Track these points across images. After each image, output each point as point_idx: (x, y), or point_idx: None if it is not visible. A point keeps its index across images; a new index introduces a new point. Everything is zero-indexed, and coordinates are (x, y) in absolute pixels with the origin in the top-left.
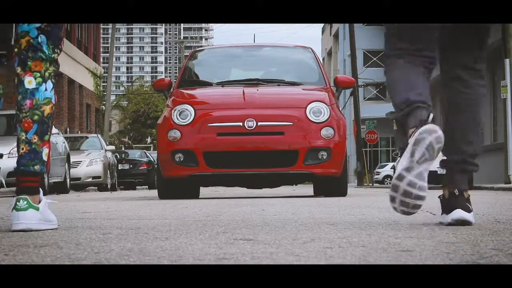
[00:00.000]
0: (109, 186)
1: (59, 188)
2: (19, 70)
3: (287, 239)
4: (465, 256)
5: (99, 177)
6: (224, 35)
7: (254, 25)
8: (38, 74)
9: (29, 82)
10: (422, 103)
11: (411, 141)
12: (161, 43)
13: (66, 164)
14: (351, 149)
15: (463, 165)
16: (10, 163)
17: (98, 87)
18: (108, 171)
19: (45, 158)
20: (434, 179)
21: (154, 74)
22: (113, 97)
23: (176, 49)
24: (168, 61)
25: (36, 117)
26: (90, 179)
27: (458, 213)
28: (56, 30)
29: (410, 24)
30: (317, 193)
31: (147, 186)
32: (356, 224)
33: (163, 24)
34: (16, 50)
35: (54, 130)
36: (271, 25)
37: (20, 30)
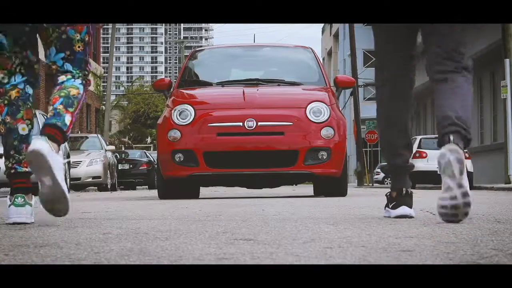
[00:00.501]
0: (109, 186)
1: None
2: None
3: (287, 239)
4: (465, 256)
5: (99, 177)
6: (224, 35)
7: (254, 25)
8: (70, 75)
9: (61, 78)
10: (405, 165)
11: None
12: (161, 43)
13: (66, 164)
14: (351, 149)
15: (452, 126)
16: None
17: (98, 87)
18: (108, 171)
19: (67, 122)
20: (434, 178)
21: (154, 74)
22: (113, 97)
23: (176, 49)
24: (168, 61)
25: (63, 94)
26: (90, 179)
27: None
28: (79, 56)
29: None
30: (317, 193)
31: (147, 186)
32: (356, 224)
33: (163, 24)
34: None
35: None
36: (271, 25)
37: (48, 61)
